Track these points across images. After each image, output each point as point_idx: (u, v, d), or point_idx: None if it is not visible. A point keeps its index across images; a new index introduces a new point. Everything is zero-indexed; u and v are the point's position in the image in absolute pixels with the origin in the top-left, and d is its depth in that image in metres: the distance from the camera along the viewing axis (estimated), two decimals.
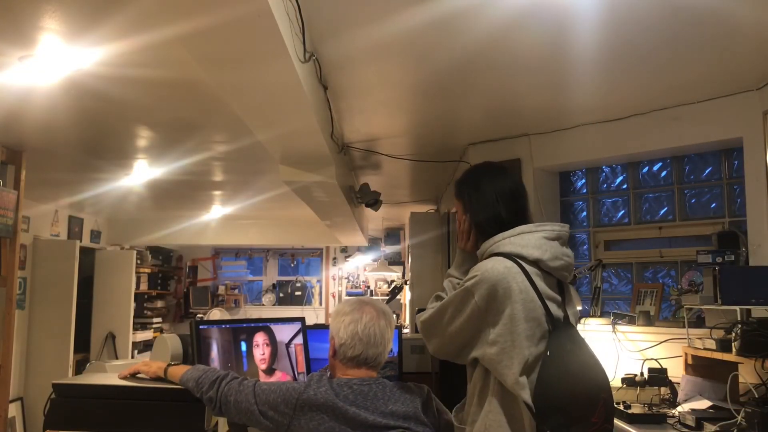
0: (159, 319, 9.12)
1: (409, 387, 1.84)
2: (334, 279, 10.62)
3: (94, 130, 3.90)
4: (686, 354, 3.06)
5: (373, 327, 1.82)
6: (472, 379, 1.74)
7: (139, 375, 2.04)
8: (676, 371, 3.11)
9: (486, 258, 1.73)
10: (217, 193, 6.35)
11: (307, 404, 1.72)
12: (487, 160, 1.97)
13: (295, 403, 1.72)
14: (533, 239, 1.71)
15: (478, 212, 1.82)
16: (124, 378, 2.02)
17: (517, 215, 1.79)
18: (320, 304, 10.49)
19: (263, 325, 2.44)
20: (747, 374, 2.63)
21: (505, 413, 1.65)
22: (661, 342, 3.29)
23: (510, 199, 1.81)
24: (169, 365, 1.99)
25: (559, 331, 1.68)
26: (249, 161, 4.72)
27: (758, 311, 2.67)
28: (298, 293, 10.51)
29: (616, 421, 2.78)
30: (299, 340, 2.48)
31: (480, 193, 1.83)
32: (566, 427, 1.60)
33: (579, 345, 1.70)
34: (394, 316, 7.89)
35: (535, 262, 1.68)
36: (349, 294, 10.47)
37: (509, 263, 1.67)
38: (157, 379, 1.99)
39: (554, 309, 1.68)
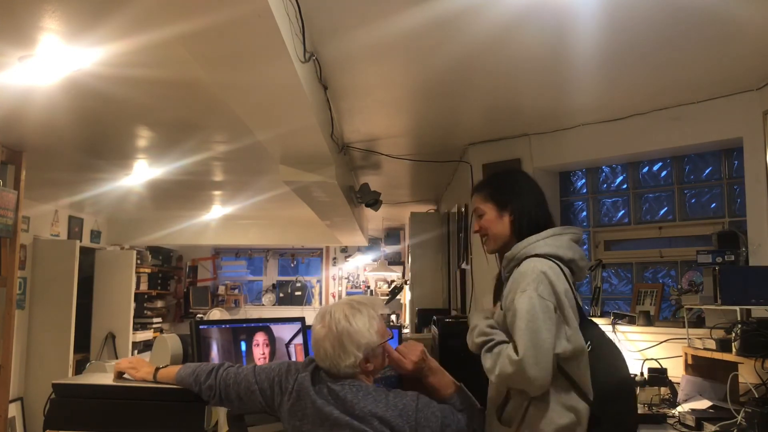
0: (159, 319, 9.12)
1: (389, 392, 1.76)
2: (334, 279, 10.62)
3: (94, 130, 3.91)
4: (686, 354, 3.06)
5: (317, 344, 1.80)
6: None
7: (125, 376, 2.04)
8: (676, 371, 3.11)
9: (522, 259, 1.80)
10: (217, 193, 6.35)
11: (291, 395, 1.79)
12: (510, 164, 2.04)
13: (283, 387, 1.81)
14: (564, 241, 1.82)
15: (519, 211, 1.88)
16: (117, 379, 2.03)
17: (548, 216, 1.91)
18: (320, 304, 10.48)
19: (263, 325, 2.44)
20: (747, 374, 2.63)
21: (554, 409, 1.70)
22: (661, 342, 3.29)
23: (541, 199, 1.92)
24: (157, 369, 1.99)
25: (588, 325, 1.79)
26: (249, 161, 4.72)
27: (758, 311, 2.67)
28: (298, 293, 10.50)
29: None
30: (299, 340, 2.48)
31: (520, 193, 1.91)
32: (625, 414, 1.75)
33: (606, 337, 1.84)
34: (394, 316, 7.84)
35: (569, 262, 1.79)
36: (349, 294, 10.48)
37: (551, 263, 1.75)
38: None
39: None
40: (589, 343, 1.72)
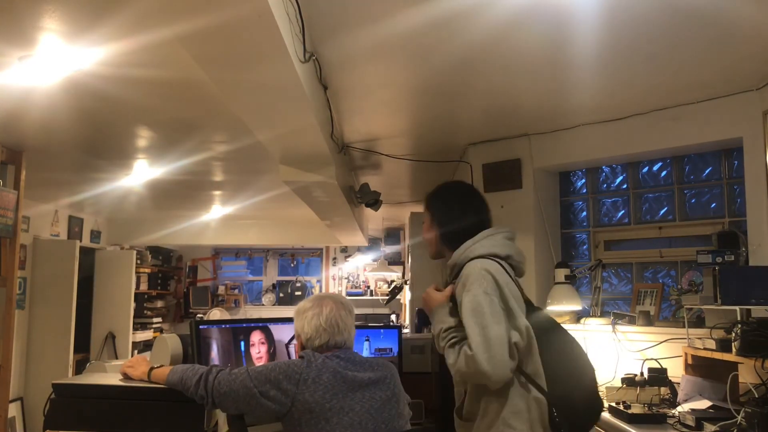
0: (159, 319, 9.12)
1: (377, 361, 2.02)
2: (334, 279, 10.62)
3: (94, 130, 3.90)
4: (686, 354, 3.06)
5: (335, 317, 1.95)
6: None
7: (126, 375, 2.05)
8: (676, 371, 3.11)
9: (464, 263, 1.92)
10: (217, 193, 6.35)
11: (313, 380, 1.82)
12: (454, 180, 2.28)
13: (299, 378, 1.81)
14: (498, 240, 1.97)
15: (443, 225, 2.05)
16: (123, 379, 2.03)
17: (481, 224, 2.03)
18: None
19: (263, 325, 2.44)
20: (747, 374, 2.63)
21: (512, 401, 1.80)
22: (661, 342, 3.29)
23: (475, 212, 2.05)
24: (151, 369, 2.00)
25: (535, 313, 1.91)
26: (249, 161, 4.72)
27: (758, 311, 2.67)
28: (298, 293, 10.50)
29: (617, 421, 2.78)
30: None
31: (446, 209, 2.07)
32: (574, 410, 1.81)
33: (554, 327, 1.96)
34: (394, 315, 7.88)
35: (506, 258, 1.93)
36: (349, 294, 10.47)
37: (489, 261, 1.88)
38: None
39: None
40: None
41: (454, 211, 2.05)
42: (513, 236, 2.02)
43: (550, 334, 1.89)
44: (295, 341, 2.08)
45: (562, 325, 1.99)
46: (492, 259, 1.89)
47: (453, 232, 2.02)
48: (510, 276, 1.89)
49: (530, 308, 1.92)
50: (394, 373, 2.02)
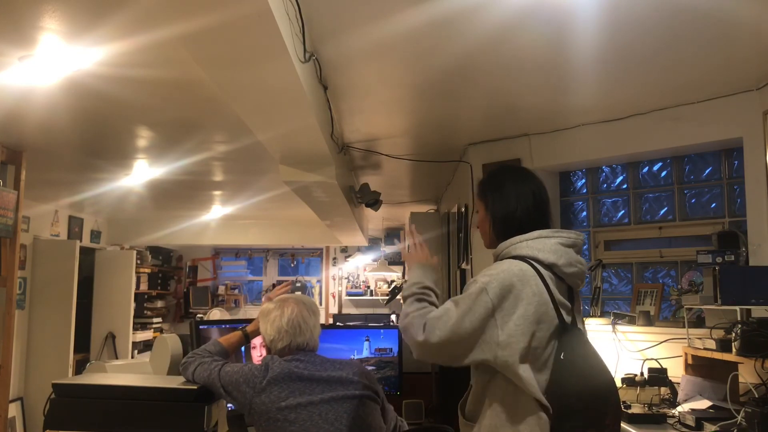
0: (159, 319, 9.12)
1: (343, 362, 2.10)
2: (334, 279, 10.62)
3: (94, 130, 3.90)
4: (686, 354, 3.07)
5: (296, 318, 2.06)
6: (478, 379, 1.73)
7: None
8: (676, 371, 3.11)
9: (502, 259, 1.76)
10: (217, 193, 6.35)
11: (269, 383, 1.93)
12: (511, 163, 2.02)
13: (256, 383, 1.94)
14: (549, 244, 1.73)
15: (498, 212, 1.83)
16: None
17: (537, 219, 1.81)
18: (320, 304, 10.48)
19: None
20: (747, 374, 2.63)
21: (514, 414, 1.66)
22: (661, 342, 3.29)
23: (531, 202, 1.82)
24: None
25: (570, 334, 1.69)
26: (249, 161, 4.72)
27: (758, 311, 2.67)
28: (298, 294, 10.50)
29: None
30: None
31: (502, 194, 1.84)
32: (582, 428, 1.61)
33: (589, 348, 1.73)
34: (394, 315, 7.86)
35: (550, 267, 1.70)
36: (349, 294, 10.48)
37: (525, 266, 1.69)
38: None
39: (564, 314, 1.70)
40: (562, 353, 1.64)
41: (509, 197, 1.82)
42: (573, 243, 1.77)
43: (576, 362, 1.65)
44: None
45: (595, 350, 1.73)
46: (530, 264, 1.69)
47: (505, 222, 1.81)
48: (549, 287, 1.67)
49: (565, 328, 1.68)
50: (359, 373, 2.06)
